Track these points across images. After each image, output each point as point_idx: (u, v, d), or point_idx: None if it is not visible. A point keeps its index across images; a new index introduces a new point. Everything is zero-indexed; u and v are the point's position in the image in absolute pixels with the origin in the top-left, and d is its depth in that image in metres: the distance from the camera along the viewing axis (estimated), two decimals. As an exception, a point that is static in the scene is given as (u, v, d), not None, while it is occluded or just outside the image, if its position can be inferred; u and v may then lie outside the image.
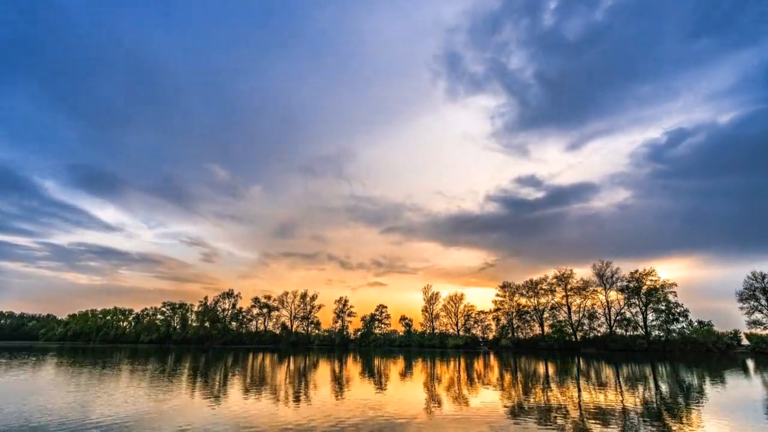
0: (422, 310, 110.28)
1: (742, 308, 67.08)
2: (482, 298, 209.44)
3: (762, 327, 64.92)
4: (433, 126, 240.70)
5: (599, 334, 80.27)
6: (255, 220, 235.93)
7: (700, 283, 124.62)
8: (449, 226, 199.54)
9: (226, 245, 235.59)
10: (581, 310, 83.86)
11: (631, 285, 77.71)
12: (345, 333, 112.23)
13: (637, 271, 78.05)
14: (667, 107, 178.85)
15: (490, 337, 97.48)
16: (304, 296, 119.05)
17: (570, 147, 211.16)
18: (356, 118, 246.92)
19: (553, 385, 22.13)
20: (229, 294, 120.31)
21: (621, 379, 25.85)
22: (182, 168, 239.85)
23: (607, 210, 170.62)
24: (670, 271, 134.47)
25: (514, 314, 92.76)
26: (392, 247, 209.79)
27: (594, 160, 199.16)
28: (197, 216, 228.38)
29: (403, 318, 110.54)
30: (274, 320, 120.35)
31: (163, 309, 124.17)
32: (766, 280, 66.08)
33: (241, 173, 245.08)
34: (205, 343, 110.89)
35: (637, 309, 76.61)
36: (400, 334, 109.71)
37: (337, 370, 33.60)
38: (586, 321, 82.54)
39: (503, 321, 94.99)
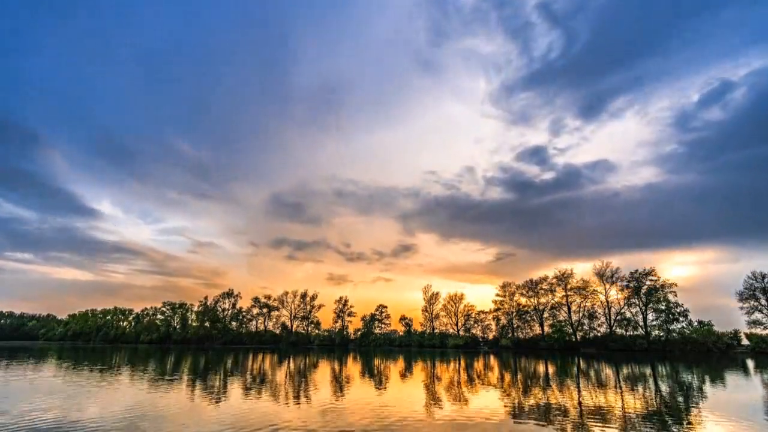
0: (422, 310, 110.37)
1: (742, 308, 67.35)
2: (490, 295, 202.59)
3: (762, 327, 65.01)
4: (417, 83, 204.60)
5: (599, 334, 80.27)
6: (241, 204, 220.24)
7: (724, 275, 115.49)
8: (448, 214, 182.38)
9: (214, 236, 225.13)
10: (581, 310, 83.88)
11: (631, 285, 77.75)
12: (345, 333, 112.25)
13: (637, 271, 78.16)
14: (709, 50, 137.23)
15: (490, 337, 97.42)
16: (304, 296, 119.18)
17: (582, 111, 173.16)
18: (331, 59, 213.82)
19: (553, 385, 22.12)
20: (228, 294, 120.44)
21: (621, 379, 25.83)
22: (144, 140, 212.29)
23: (627, 192, 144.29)
24: (695, 263, 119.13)
25: (514, 314, 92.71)
26: (392, 239, 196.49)
27: (611, 131, 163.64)
28: (180, 205, 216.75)
29: (403, 318, 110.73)
30: (274, 320, 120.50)
31: (163, 309, 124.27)
32: (766, 280, 66.13)
33: (211, 144, 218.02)
34: (205, 343, 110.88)
35: (637, 309, 76.62)
36: (400, 334, 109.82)
37: (337, 370, 33.58)
38: (586, 321, 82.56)
39: (503, 321, 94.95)
